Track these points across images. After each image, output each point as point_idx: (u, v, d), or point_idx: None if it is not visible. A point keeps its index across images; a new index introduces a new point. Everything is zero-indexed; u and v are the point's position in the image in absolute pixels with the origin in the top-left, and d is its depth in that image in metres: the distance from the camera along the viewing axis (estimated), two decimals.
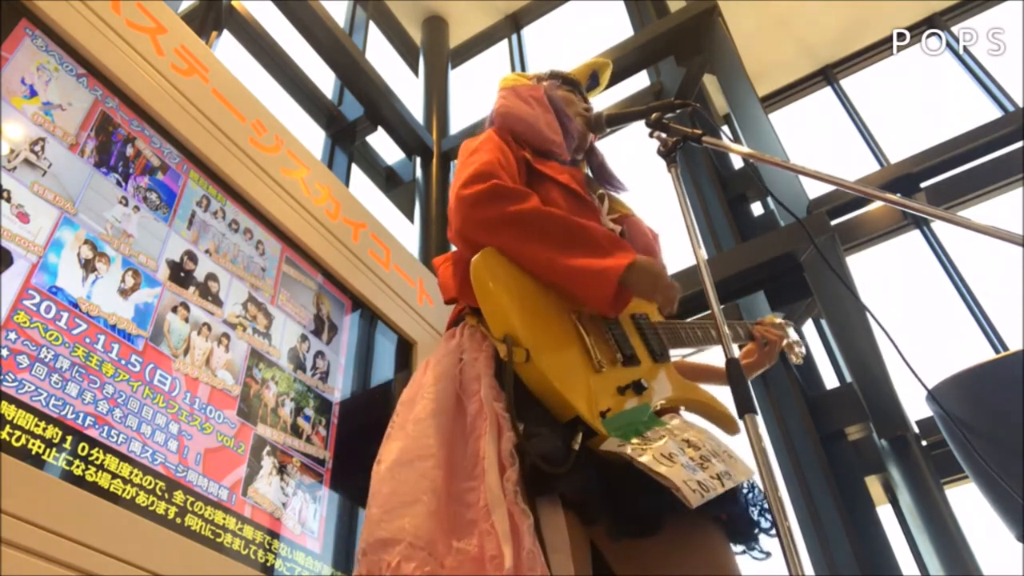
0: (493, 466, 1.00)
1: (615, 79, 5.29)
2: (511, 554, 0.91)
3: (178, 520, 1.90)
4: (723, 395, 1.42)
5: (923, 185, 4.25)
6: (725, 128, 5.72)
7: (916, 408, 3.17)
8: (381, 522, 0.99)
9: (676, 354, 1.47)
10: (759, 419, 1.05)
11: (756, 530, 1.16)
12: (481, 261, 1.20)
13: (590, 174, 1.68)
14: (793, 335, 1.68)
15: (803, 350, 1.72)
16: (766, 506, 1.18)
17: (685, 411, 1.33)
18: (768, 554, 1.16)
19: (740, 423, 1.34)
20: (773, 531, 1.15)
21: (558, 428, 1.08)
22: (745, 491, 1.18)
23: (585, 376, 1.14)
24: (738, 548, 1.17)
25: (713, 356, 1.57)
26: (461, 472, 1.05)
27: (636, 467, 1.01)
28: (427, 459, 1.03)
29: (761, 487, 1.20)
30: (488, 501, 0.97)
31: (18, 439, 1.62)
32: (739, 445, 1.13)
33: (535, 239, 1.20)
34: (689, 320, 1.49)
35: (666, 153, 1.42)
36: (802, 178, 4.23)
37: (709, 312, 1.17)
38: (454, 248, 1.43)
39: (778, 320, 1.66)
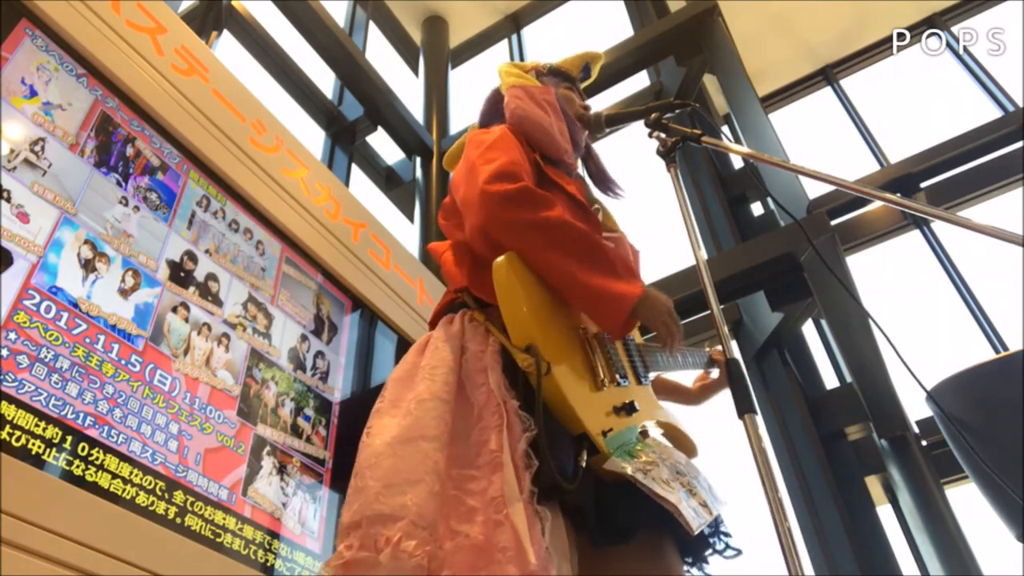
0: (510, 462, 1.00)
1: (615, 79, 5.32)
2: (533, 551, 0.90)
3: (178, 520, 1.90)
4: (685, 416, 1.47)
5: (923, 185, 4.25)
6: (725, 128, 5.73)
7: (916, 408, 3.17)
8: (380, 496, 0.97)
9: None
10: (759, 419, 1.06)
11: (708, 550, 1.18)
12: (507, 266, 1.17)
13: (587, 179, 1.67)
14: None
15: None
16: (723, 529, 1.21)
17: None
18: None
19: (699, 450, 1.39)
20: (728, 553, 1.18)
21: (568, 441, 1.08)
22: None
23: (589, 393, 1.15)
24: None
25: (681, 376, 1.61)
26: (462, 459, 1.04)
27: (627, 482, 1.03)
28: (431, 440, 1.02)
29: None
30: (505, 494, 0.96)
31: (18, 439, 1.62)
32: (740, 445, 1.13)
33: (559, 249, 1.18)
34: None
35: (666, 153, 1.42)
36: (802, 178, 4.22)
37: (708, 312, 1.17)
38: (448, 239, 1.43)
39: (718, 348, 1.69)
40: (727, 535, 1.20)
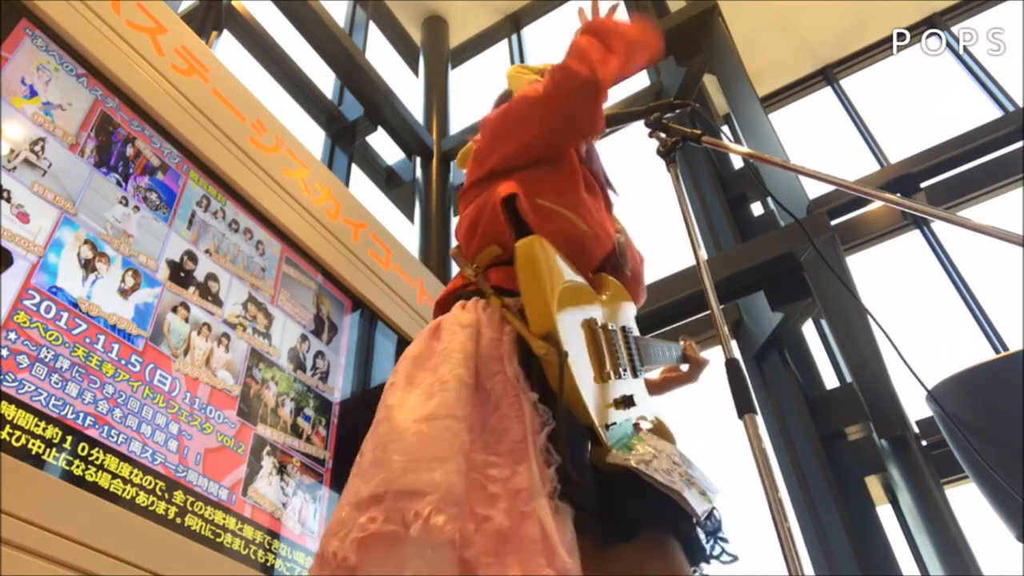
0: (535, 455, 0.99)
1: None
2: (564, 549, 0.90)
3: (178, 520, 1.90)
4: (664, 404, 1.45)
5: (923, 185, 4.24)
6: (725, 128, 5.72)
7: (916, 408, 3.17)
8: (407, 471, 0.95)
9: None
10: (759, 419, 1.05)
11: (707, 552, 1.17)
12: (530, 247, 1.14)
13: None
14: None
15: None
16: (721, 534, 1.19)
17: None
18: None
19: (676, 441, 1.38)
20: (725, 558, 1.17)
21: (583, 436, 1.07)
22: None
23: (594, 385, 1.14)
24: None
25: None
26: (482, 444, 1.03)
27: (626, 477, 1.02)
28: (459, 421, 1.01)
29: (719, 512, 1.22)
30: (530, 486, 0.95)
31: (18, 439, 1.62)
32: (740, 445, 1.13)
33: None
34: (652, 336, 1.50)
35: (666, 153, 1.42)
36: (802, 178, 4.22)
37: (708, 312, 1.17)
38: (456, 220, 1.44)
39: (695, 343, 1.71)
40: (724, 540, 1.19)
